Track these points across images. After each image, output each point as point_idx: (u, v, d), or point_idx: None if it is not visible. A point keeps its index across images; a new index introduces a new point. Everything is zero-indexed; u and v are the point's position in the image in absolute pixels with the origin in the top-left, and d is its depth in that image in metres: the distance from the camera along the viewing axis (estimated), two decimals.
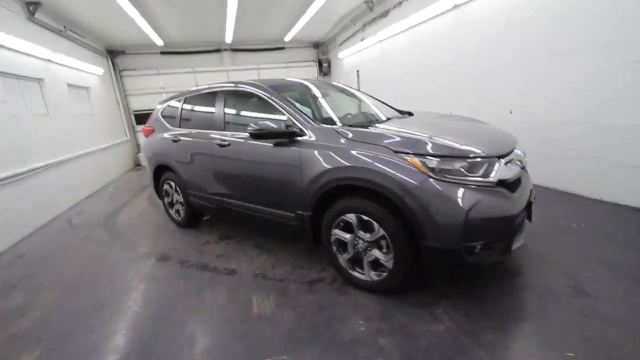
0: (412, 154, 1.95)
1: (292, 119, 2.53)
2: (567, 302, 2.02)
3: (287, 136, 2.47)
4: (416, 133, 2.18)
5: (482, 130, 2.54)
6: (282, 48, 10.28)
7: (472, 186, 1.88)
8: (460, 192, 1.84)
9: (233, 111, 3.12)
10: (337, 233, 2.32)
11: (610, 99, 3.27)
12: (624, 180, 3.30)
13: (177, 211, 3.92)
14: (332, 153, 2.22)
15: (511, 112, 4.41)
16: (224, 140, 2.98)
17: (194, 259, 3.09)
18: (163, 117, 3.96)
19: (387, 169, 1.96)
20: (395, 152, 2.00)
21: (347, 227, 2.27)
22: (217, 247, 3.34)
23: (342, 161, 2.15)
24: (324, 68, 10.56)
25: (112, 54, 8.65)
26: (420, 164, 1.91)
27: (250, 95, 2.93)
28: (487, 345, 1.76)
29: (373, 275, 2.23)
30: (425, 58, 6.06)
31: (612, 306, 1.95)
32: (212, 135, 3.15)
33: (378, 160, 2.01)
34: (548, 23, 3.73)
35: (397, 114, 3.25)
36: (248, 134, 2.63)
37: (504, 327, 1.88)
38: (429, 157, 1.92)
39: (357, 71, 8.88)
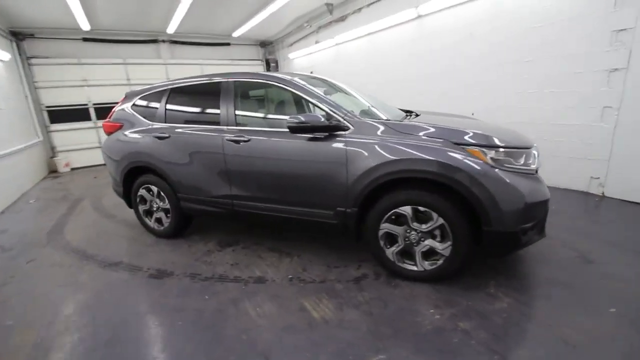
0: (475, 145, 2.08)
1: (332, 112, 2.43)
2: (584, 269, 2.40)
3: (331, 130, 2.37)
4: (463, 127, 2.31)
5: (499, 126, 2.81)
6: (228, 44, 9.73)
7: (523, 174, 2.09)
8: (519, 179, 2.03)
9: (249, 105, 2.85)
10: (387, 227, 2.32)
11: (561, 103, 3.98)
12: (572, 169, 4.05)
13: (159, 220, 3.39)
14: (389, 147, 2.21)
15: (473, 114, 4.99)
16: (240, 136, 2.70)
17: (205, 271, 2.72)
18: (135, 111, 3.39)
19: (454, 160, 2.05)
20: (456, 144, 2.10)
21: (398, 220, 2.29)
22: (224, 255, 3.00)
23: (405, 154, 2.15)
24: (272, 68, 10.34)
25: (18, 36, 7.01)
26: (482, 154, 2.05)
27: (273, 87, 2.73)
28: (545, 311, 1.98)
29: (426, 265, 2.29)
30: (386, 63, 6.43)
31: (620, 269, 2.37)
32: (220, 131, 2.82)
33: (443, 153, 2.08)
34: (510, 38, 4.35)
35: (402, 112, 3.39)
36: (270, 129, 2.45)
37: (549, 295, 2.14)
38: (488, 148, 2.07)
39: (311, 72, 8.93)
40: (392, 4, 5.89)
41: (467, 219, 2.09)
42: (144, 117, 3.34)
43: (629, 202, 3.58)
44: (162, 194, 3.24)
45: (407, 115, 2.97)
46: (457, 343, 1.77)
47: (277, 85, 2.72)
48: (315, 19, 7.81)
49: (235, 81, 2.88)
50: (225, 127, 2.81)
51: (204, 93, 3.08)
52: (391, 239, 2.36)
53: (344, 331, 1.92)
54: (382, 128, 2.30)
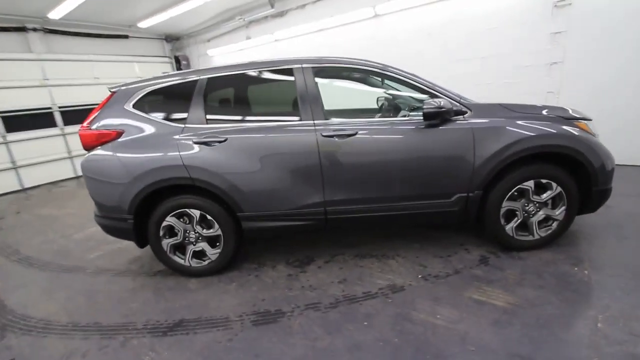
0: (580, 119, 2.38)
1: (447, 97, 2.35)
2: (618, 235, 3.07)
3: (457, 114, 2.29)
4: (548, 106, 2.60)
5: None
6: (125, 37, 7.94)
7: None
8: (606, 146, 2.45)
9: (333, 94, 2.45)
10: (508, 204, 2.42)
11: (513, 91, 4.92)
12: None
13: (199, 254, 2.56)
14: (523, 125, 2.30)
15: None
16: (343, 130, 2.31)
17: (319, 298, 2.22)
18: (144, 111, 2.45)
19: (575, 134, 2.30)
20: (566, 119, 2.37)
21: (519, 196, 2.42)
22: (315, 274, 2.51)
23: (540, 131, 2.28)
24: (183, 66, 9.00)
25: None
26: (587, 127, 2.37)
27: (370, 73, 2.45)
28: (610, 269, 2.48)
29: (541, 233, 2.50)
30: None
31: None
32: (308, 127, 2.33)
33: (566, 128, 2.31)
34: (469, 38, 5.08)
35: None
36: (376, 119, 2.20)
37: (597, 262, 2.67)
38: (587, 121, 2.41)
39: None
40: (342, 3, 6.01)
41: (577, 184, 2.40)
42: (166, 119, 2.44)
43: None
44: (208, 217, 2.45)
45: None
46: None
47: (371, 71, 2.45)
48: (247, 13, 7.21)
49: (314, 67, 2.43)
50: (313, 122, 2.35)
51: (265, 82, 2.48)
52: (510, 215, 2.47)
53: (544, 307, 1.93)
54: (502, 109, 2.38)
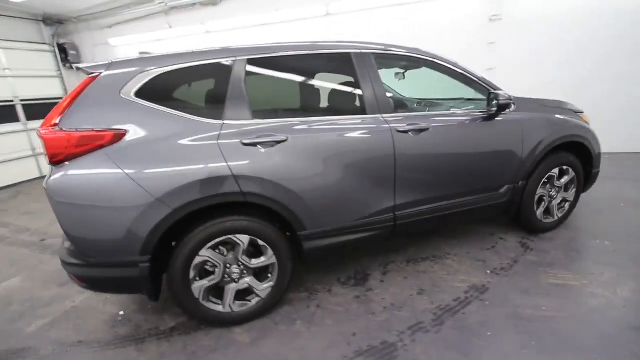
0: (581, 112, 2.74)
1: (493, 89, 2.37)
2: None
3: (508, 107, 2.33)
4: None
5: None
6: None
7: None
8: None
9: (394, 84, 2.16)
10: (540, 191, 2.61)
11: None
12: None
13: (244, 292, 1.93)
14: (557, 119, 2.50)
15: None
16: (415, 124, 2.07)
17: (415, 318, 1.93)
18: (157, 102, 1.70)
19: (585, 125, 2.63)
20: (576, 112, 2.69)
21: (547, 182, 2.64)
22: (384, 292, 2.18)
23: (570, 124, 2.53)
24: (72, 57, 7.02)
25: None
26: (586, 118, 2.76)
27: (427, 63, 2.27)
28: None
29: (559, 214, 2.79)
30: None
31: None
32: (378, 121, 2.01)
33: (579, 121, 2.62)
34: (413, 40, 5.42)
35: None
36: (442, 112, 2.13)
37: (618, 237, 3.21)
38: (582, 114, 2.80)
39: None
40: None
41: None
42: (194, 113, 1.74)
43: None
44: (259, 243, 1.86)
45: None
46: None
47: (431, 62, 2.29)
48: None
49: (374, 53, 2.11)
50: (381, 116, 2.03)
51: (318, 68, 2.03)
52: (539, 201, 2.67)
53: (606, 275, 2.14)
54: (536, 103, 2.54)
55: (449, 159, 2.23)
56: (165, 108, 1.69)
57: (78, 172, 1.56)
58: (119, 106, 1.64)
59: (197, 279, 1.81)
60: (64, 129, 1.56)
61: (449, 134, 2.23)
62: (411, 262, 2.52)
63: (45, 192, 1.62)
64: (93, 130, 1.58)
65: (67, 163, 1.56)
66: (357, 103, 2.05)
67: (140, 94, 1.67)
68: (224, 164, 1.69)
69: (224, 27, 6.15)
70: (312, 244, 1.98)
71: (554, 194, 2.70)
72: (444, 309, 1.98)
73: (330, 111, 2.16)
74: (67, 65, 7.04)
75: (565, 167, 2.64)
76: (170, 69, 1.74)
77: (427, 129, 2.11)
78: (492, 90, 2.30)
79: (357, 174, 1.98)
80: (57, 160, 1.56)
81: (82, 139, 1.56)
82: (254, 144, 1.75)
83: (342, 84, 2.18)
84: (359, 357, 1.68)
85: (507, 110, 2.37)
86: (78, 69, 1.73)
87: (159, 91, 1.73)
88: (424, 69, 2.56)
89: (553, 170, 2.60)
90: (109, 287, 1.80)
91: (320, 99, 2.13)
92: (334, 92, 2.16)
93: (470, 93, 2.67)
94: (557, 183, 2.66)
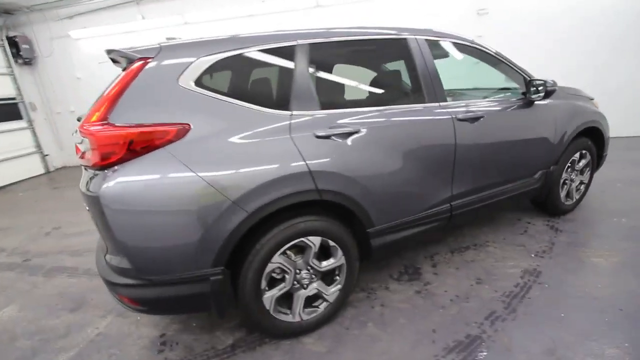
0: (592, 98, 2.90)
1: (529, 77, 2.41)
2: None
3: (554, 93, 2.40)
4: None
5: None
6: None
7: None
8: None
9: (454, 73, 2.13)
10: (565, 175, 2.73)
11: None
12: None
13: (315, 299, 1.78)
14: (581, 105, 2.64)
15: None
16: (471, 112, 2.04)
17: (490, 305, 1.91)
18: (216, 91, 1.49)
19: (599, 112, 2.79)
20: (590, 99, 2.85)
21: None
22: (443, 285, 2.14)
23: (590, 110, 2.67)
24: (24, 52, 6.18)
25: None
26: (597, 104, 2.92)
27: (475, 50, 2.22)
28: None
29: (576, 196, 2.94)
30: None
31: None
32: (438, 110, 1.95)
33: (596, 108, 2.77)
34: None
35: None
36: (491, 98, 2.15)
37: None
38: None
39: None
40: None
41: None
42: (260, 104, 1.55)
43: None
44: (330, 244, 1.72)
45: None
46: None
47: (477, 49, 2.27)
48: None
49: (428, 40, 2.03)
50: (439, 104, 1.98)
51: (374, 54, 1.92)
52: (563, 184, 2.79)
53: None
54: (562, 92, 2.62)
55: (498, 146, 2.24)
56: (229, 98, 1.49)
57: (141, 175, 1.31)
58: (177, 97, 1.41)
59: (267, 288, 1.63)
60: (117, 125, 1.31)
61: (498, 121, 2.23)
62: (455, 252, 2.51)
63: (88, 201, 1.35)
64: (155, 125, 1.34)
65: (122, 165, 1.31)
66: (418, 91, 1.97)
67: (199, 82, 1.45)
68: (300, 159, 1.53)
69: (205, 18, 5.77)
70: (379, 241, 1.88)
71: (573, 177, 2.84)
72: (510, 296, 1.99)
73: (394, 100, 2.06)
74: (20, 61, 6.19)
75: (584, 151, 2.79)
76: (229, 55, 1.53)
77: (482, 117, 2.09)
78: (531, 78, 2.34)
79: (422, 164, 1.91)
80: (107, 163, 1.31)
81: (143, 136, 1.32)
82: (328, 137, 1.61)
83: (394, 70, 2.09)
84: (449, 354, 1.62)
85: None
86: (118, 54, 1.46)
87: (220, 79, 1.53)
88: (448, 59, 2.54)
89: (575, 155, 2.73)
90: (172, 307, 1.56)
91: (384, 87, 2.02)
92: (396, 80, 2.06)
93: (495, 81, 2.72)
94: (576, 167, 2.81)
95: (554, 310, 1.84)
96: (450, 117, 1.96)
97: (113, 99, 1.33)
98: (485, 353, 1.60)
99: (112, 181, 1.28)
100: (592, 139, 2.81)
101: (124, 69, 1.59)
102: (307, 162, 1.53)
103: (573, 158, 2.73)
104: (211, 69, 1.49)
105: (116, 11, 5.91)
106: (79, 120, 1.93)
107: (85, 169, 1.48)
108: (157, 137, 1.34)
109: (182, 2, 5.74)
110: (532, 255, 2.38)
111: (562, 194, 2.79)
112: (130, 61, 1.44)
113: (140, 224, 1.33)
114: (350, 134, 1.66)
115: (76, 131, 1.61)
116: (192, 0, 5.72)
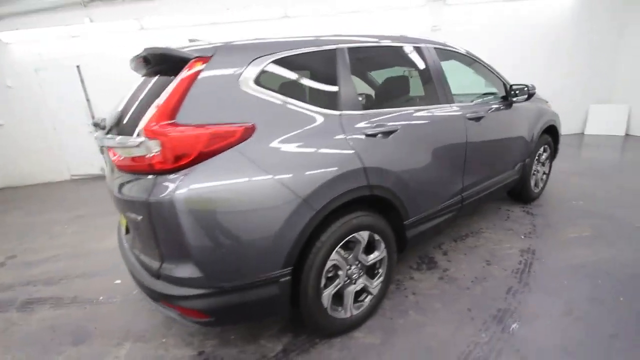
0: (547, 102, 3.43)
1: (507, 83, 2.78)
2: None
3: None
4: None
5: None
6: None
7: None
8: None
9: (453, 76, 2.34)
10: (535, 167, 3.19)
11: None
12: None
13: (362, 292, 1.83)
14: (540, 105, 3.10)
15: None
16: (477, 112, 2.30)
17: (508, 282, 2.15)
18: (275, 91, 1.50)
19: (555, 112, 3.32)
20: (546, 102, 3.36)
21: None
22: (458, 270, 2.34)
23: (549, 110, 3.15)
24: None
25: None
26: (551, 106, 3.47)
27: (467, 59, 2.49)
28: None
29: (541, 185, 3.43)
30: None
31: None
32: (456, 111, 2.17)
33: (550, 108, 3.29)
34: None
35: None
36: (485, 99, 2.45)
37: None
38: None
39: (78, 66, 5.65)
40: None
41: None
42: (314, 103, 1.58)
43: None
44: (376, 238, 1.80)
45: None
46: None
47: (469, 57, 2.55)
48: None
49: (435, 48, 2.25)
50: (450, 105, 2.20)
51: (396, 59, 2.07)
52: (532, 174, 3.24)
53: (610, 221, 2.76)
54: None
55: (495, 142, 2.55)
56: (286, 98, 1.50)
57: (215, 177, 1.25)
58: (239, 97, 1.38)
59: (326, 286, 1.64)
60: (187, 124, 1.24)
61: (494, 120, 2.53)
62: (458, 240, 2.75)
63: (149, 208, 1.25)
64: (224, 125, 1.29)
65: (193, 167, 1.24)
66: (434, 93, 2.16)
67: (259, 83, 1.44)
68: (356, 157, 1.59)
69: (164, 24, 5.48)
70: (413, 232, 2.01)
71: (539, 168, 3.31)
72: (518, 272, 2.25)
73: (418, 101, 2.21)
74: None
75: (546, 146, 3.29)
76: (282, 56, 1.54)
77: (484, 117, 2.37)
78: (508, 82, 2.72)
79: (444, 158, 2.10)
80: (178, 165, 1.23)
81: (215, 136, 1.26)
82: (374, 135, 1.70)
83: (415, 74, 2.26)
84: (490, 327, 1.79)
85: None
86: (165, 51, 1.38)
87: (275, 80, 1.53)
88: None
89: (540, 149, 3.20)
90: (240, 316, 1.47)
91: (409, 89, 2.17)
92: (417, 83, 2.23)
93: (478, 86, 3.07)
94: (541, 159, 3.29)
95: (557, 280, 2.14)
96: (462, 116, 2.20)
97: (177, 99, 1.26)
98: (519, 321, 1.80)
99: (188, 184, 1.21)
100: (551, 135, 3.33)
101: (149, 74, 1.54)
102: (362, 159, 1.60)
103: (539, 152, 3.19)
104: (266, 70, 1.48)
105: (58, 13, 5.30)
106: (96, 125, 1.75)
107: (135, 174, 1.36)
108: (227, 138, 1.29)
109: (139, 6, 5.38)
110: (522, 237, 2.72)
111: (532, 183, 3.24)
112: (179, 62, 1.36)
113: (216, 228, 1.26)
114: (390, 132, 1.77)
115: (108, 135, 1.49)
116: (150, 5, 5.39)
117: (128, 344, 1.90)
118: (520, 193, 3.24)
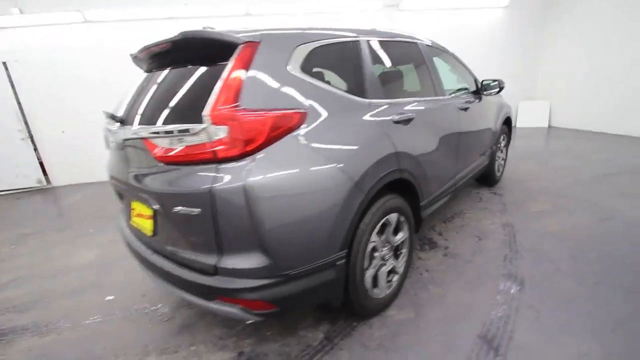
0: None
1: (477, 79, 3.13)
2: None
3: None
4: None
5: None
6: None
7: None
8: None
9: (441, 70, 2.55)
10: (499, 152, 3.63)
11: None
12: None
13: (391, 273, 1.94)
14: (500, 99, 3.52)
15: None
16: (465, 103, 2.56)
17: (504, 253, 2.43)
18: (318, 78, 1.53)
19: (510, 105, 3.81)
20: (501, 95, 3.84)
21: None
22: (458, 247, 2.59)
23: (506, 103, 3.59)
24: None
25: None
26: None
27: (447, 55, 2.75)
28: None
29: (500, 169, 3.91)
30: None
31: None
32: (450, 101, 2.40)
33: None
34: None
35: None
36: (466, 92, 2.76)
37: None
38: None
39: (4, 63, 4.84)
40: None
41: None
42: (349, 91, 1.65)
43: None
44: (401, 220, 1.93)
45: None
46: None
47: (451, 54, 2.80)
48: None
49: (427, 45, 2.45)
50: (444, 97, 2.42)
51: (402, 53, 2.21)
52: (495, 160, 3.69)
53: (560, 198, 3.26)
54: None
55: (475, 131, 2.85)
56: (327, 85, 1.54)
57: (283, 162, 1.25)
58: (289, 83, 1.38)
59: (368, 267, 1.71)
60: (251, 109, 1.21)
61: (474, 111, 2.83)
62: (446, 221, 3.02)
63: (214, 198, 1.19)
64: (285, 110, 1.29)
65: (260, 152, 1.22)
66: (431, 86, 2.36)
67: (304, 69, 1.46)
68: (390, 142, 1.69)
69: (113, 17, 5.00)
70: (426, 212, 2.18)
71: (499, 154, 3.78)
72: (506, 243, 2.57)
73: (423, 92, 2.33)
74: None
75: (504, 135, 3.76)
76: (321, 44, 1.57)
77: (469, 107, 2.65)
78: (478, 78, 3.07)
79: (446, 144, 2.31)
80: (244, 152, 1.20)
81: (280, 120, 1.26)
82: (399, 122, 1.82)
83: (419, 67, 2.43)
84: (503, 288, 2.02)
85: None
86: (210, 34, 1.33)
87: (316, 68, 1.55)
88: None
89: (500, 137, 3.66)
90: (301, 303, 1.45)
91: (415, 81, 2.32)
92: (420, 76, 2.38)
93: (452, 81, 3.38)
94: (501, 146, 3.75)
95: (539, 246, 2.49)
96: (455, 106, 2.44)
97: (238, 84, 1.23)
98: (522, 282, 2.07)
99: (259, 170, 1.19)
100: (507, 125, 3.82)
101: (164, 65, 1.50)
102: (395, 144, 1.71)
103: (500, 140, 3.65)
104: (308, 58, 1.50)
105: None
106: (111, 117, 1.60)
107: (185, 165, 1.28)
108: (287, 123, 1.30)
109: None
110: (498, 214, 3.09)
111: (495, 168, 3.68)
112: (222, 48, 1.32)
113: (287, 214, 1.25)
114: (410, 119, 1.91)
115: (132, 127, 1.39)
116: None
117: (152, 358, 1.74)
118: (487, 177, 3.66)
